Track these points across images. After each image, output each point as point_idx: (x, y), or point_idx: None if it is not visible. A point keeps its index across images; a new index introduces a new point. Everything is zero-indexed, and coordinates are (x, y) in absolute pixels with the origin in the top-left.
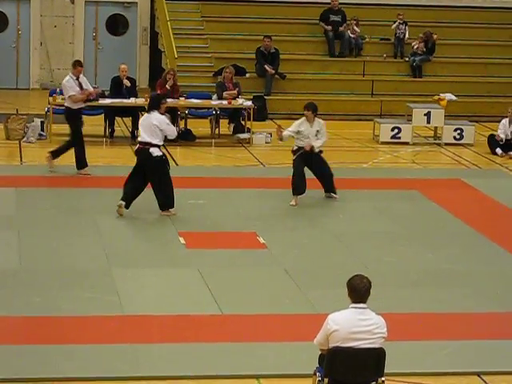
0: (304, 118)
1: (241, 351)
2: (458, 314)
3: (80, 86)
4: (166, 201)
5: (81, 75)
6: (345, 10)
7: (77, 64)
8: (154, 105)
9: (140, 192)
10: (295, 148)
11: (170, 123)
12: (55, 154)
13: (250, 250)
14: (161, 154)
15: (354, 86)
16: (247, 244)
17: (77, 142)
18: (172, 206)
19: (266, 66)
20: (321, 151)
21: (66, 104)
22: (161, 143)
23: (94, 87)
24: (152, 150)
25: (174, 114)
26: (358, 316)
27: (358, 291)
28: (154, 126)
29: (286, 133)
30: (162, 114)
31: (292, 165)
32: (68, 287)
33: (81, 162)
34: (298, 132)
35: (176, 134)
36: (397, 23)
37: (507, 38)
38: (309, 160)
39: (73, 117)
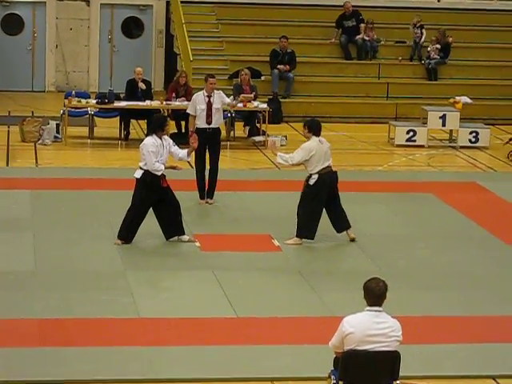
0: None
1: (256, 354)
2: (473, 317)
3: (209, 103)
4: (123, 232)
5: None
6: (361, 13)
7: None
8: (153, 128)
9: (161, 220)
10: None
11: (151, 152)
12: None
13: (264, 253)
14: (139, 176)
15: (370, 88)
16: (262, 247)
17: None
18: (127, 241)
19: (279, 67)
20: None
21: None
22: (145, 167)
23: (109, 90)
24: (136, 171)
25: (188, 117)
26: (374, 319)
27: (374, 294)
28: (140, 148)
29: None
30: (160, 136)
31: None
32: (83, 290)
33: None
34: None
35: (155, 169)
36: (412, 27)
37: None
38: None
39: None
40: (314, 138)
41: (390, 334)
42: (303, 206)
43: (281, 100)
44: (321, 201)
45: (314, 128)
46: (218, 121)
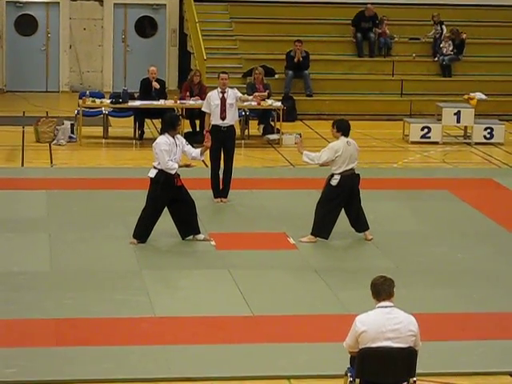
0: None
1: (272, 352)
2: (489, 314)
3: (223, 98)
4: (138, 232)
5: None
6: (377, 13)
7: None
8: (166, 127)
9: (176, 219)
10: None
11: (164, 151)
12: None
13: (280, 251)
14: (153, 175)
15: (384, 85)
16: (277, 245)
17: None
18: (142, 240)
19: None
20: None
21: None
22: (159, 166)
23: (123, 89)
24: (150, 171)
25: (202, 116)
26: (386, 315)
27: (382, 290)
28: (153, 147)
29: None
30: (173, 136)
31: None
32: (99, 289)
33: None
34: None
35: (168, 167)
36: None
37: None
38: None
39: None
40: (343, 139)
41: (403, 329)
42: (322, 205)
43: (295, 98)
44: (340, 202)
45: (342, 128)
46: (232, 118)
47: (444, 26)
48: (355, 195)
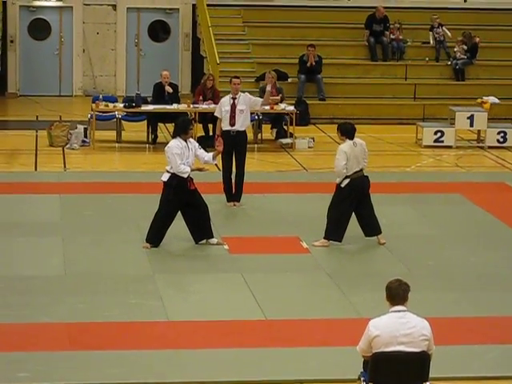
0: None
1: (284, 356)
2: (502, 318)
3: (233, 105)
4: (151, 235)
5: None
6: (388, 17)
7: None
8: (178, 131)
9: (190, 223)
10: None
11: (176, 154)
12: None
13: (293, 255)
14: (166, 179)
15: (397, 89)
16: (290, 249)
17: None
18: (155, 244)
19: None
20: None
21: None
22: (172, 170)
23: (136, 94)
24: (163, 175)
25: (215, 120)
26: (399, 320)
27: (396, 294)
28: (165, 151)
29: None
30: (185, 139)
31: None
32: (112, 293)
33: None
34: None
35: (180, 171)
36: (434, 30)
37: None
38: None
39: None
40: (348, 142)
41: (416, 333)
42: (333, 208)
43: (308, 102)
44: (351, 204)
45: (346, 131)
46: (243, 123)
47: (445, 28)
48: (366, 198)
